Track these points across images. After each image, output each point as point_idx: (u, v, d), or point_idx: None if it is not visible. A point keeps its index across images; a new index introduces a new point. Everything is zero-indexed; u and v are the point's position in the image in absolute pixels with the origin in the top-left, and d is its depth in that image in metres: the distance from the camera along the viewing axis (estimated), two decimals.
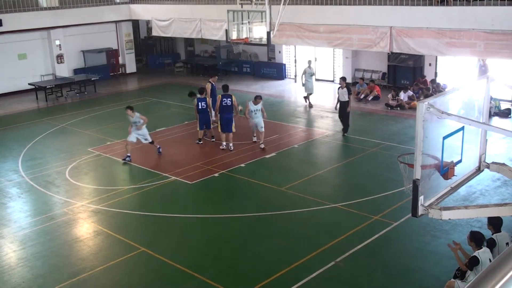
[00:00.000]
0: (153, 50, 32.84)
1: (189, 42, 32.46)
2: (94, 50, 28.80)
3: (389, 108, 20.09)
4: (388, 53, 19.31)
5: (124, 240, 10.69)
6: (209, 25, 23.38)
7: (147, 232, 11.13)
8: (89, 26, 27.72)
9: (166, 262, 9.76)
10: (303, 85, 21.26)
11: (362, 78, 22.78)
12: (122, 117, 20.92)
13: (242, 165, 14.49)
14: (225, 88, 15.99)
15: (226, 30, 18.63)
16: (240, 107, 16.19)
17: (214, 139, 16.87)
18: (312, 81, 21.19)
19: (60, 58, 27.28)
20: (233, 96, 15.74)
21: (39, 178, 14.33)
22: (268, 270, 9.33)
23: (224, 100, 15.63)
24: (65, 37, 27.34)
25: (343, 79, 17.05)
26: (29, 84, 25.11)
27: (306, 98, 21.23)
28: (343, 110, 16.66)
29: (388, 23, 17.55)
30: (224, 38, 20.53)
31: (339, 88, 16.88)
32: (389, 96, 20.51)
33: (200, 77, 28.36)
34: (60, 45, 27.27)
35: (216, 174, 13.93)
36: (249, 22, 17.80)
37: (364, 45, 18.75)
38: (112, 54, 29.74)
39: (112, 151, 16.34)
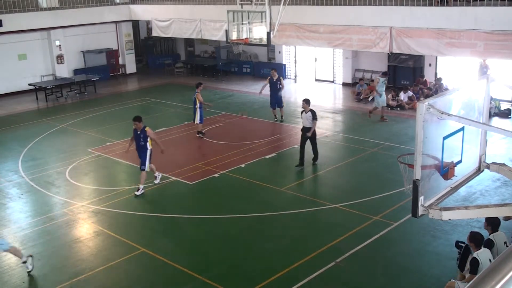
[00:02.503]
0: (153, 50, 32.86)
1: (189, 42, 32.48)
2: (94, 50, 28.81)
3: (389, 108, 20.08)
4: (388, 54, 19.33)
5: (124, 241, 10.68)
6: (209, 25, 23.40)
7: (147, 233, 11.12)
8: (89, 26, 27.75)
9: (167, 262, 9.76)
10: (372, 98, 19.73)
11: (362, 79, 22.79)
12: (122, 117, 21.02)
13: (242, 165, 14.48)
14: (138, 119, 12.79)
15: (226, 31, 18.66)
16: None
17: (202, 135, 17.19)
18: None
19: (60, 58, 27.28)
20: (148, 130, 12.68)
21: (39, 178, 14.33)
22: (268, 270, 9.33)
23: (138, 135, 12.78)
24: (65, 37, 27.35)
25: (306, 101, 14.24)
26: (29, 84, 25.13)
27: (372, 111, 18.79)
28: (305, 137, 14.16)
29: (388, 24, 17.57)
30: (224, 39, 20.53)
31: (302, 111, 14.30)
32: (389, 96, 20.51)
33: (200, 77, 28.36)
34: (60, 45, 27.27)
35: (216, 175, 13.93)
36: (249, 23, 17.82)
37: (364, 46, 18.78)
38: (112, 54, 29.75)
39: (112, 152, 16.34)
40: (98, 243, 10.84)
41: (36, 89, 24.75)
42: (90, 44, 28.85)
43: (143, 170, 12.78)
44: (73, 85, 25.64)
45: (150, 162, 12.87)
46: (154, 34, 27.00)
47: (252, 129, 18.36)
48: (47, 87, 24.52)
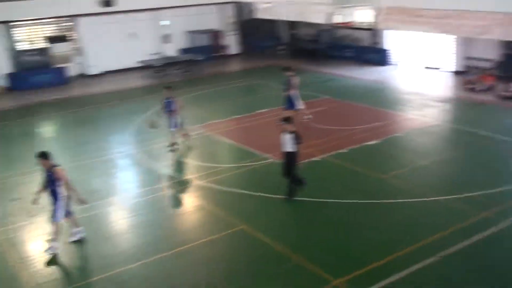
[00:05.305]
0: (256, 32, 33.13)
1: (291, 25, 32.39)
2: (199, 31, 29.59)
3: (502, 99, 18.90)
4: (504, 41, 18.11)
5: (225, 217, 10.95)
6: (313, 8, 23.14)
7: (247, 211, 11.29)
8: (194, 7, 28.54)
9: (265, 241, 9.88)
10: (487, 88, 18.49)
11: (473, 67, 21.58)
12: (224, 97, 21.51)
13: (344, 150, 14.28)
14: None
15: (330, 14, 18.37)
16: None
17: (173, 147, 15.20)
18: None
19: (167, 38, 28.32)
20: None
21: (147, 152, 15.00)
22: (365, 258, 9.15)
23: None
24: (173, 17, 28.34)
25: (286, 120, 11.29)
26: (138, 62, 26.32)
27: None
28: (289, 164, 11.38)
29: (503, 9, 16.38)
30: (328, 22, 20.30)
31: (282, 132, 11.32)
32: (503, 86, 19.28)
33: (302, 60, 28.27)
34: (167, 25, 28.31)
35: (317, 158, 13.85)
36: (354, 6, 17.47)
37: (476, 32, 17.72)
38: (215, 35, 30.42)
39: (215, 130, 16.77)
40: (200, 217, 11.19)
41: (144, 67, 25.90)
42: (196, 24, 29.68)
43: (55, 221, 9.80)
44: (179, 64, 26.53)
45: (69, 212, 10.09)
46: (257, 16, 27.19)
47: (354, 115, 18.05)
48: (155, 65, 25.57)
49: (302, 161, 12.90)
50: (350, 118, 17.51)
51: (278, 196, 11.58)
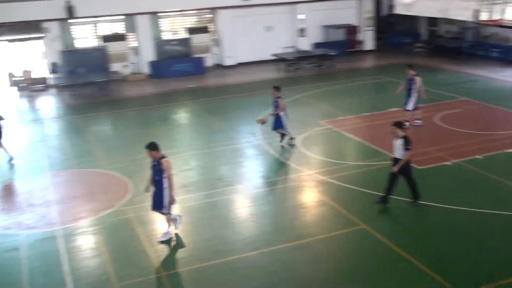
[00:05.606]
0: (394, 28, 32.11)
1: (432, 21, 30.93)
2: (334, 25, 29.37)
3: None
4: None
5: (346, 214, 10.77)
6: (456, 4, 21.88)
7: (369, 210, 10.98)
8: (333, 1, 28.39)
9: (386, 243, 9.55)
10: None
11: None
12: (354, 93, 21.16)
13: (479, 156, 13.33)
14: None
15: (477, 10, 17.23)
16: None
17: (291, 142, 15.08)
18: None
19: (302, 31, 28.48)
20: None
21: (273, 143, 15.22)
22: (493, 272, 8.48)
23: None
24: (309, 11, 28.42)
25: (397, 124, 10.69)
26: (271, 55, 26.78)
27: None
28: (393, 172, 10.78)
29: None
30: (474, 19, 19.07)
31: (394, 137, 10.73)
32: None
33: (442, 58, 26.88)
34: (303, 19, 28.45)
35: (449, 163, 13.09)
36: (504, 2, 16.21)
37: None
38: (351, 30, 29.98)
39: (343, 126, 16.55)
40: (321, 212, 11.13)
41: (278, 60, 26.29)
42: (331, 19, 29.49)
43: (166, 214, 10.07)
44: (312, 58, 26.57)
45: (171, 204, 10.02)
46: (396, 11, 26.34)
47: (495, 119, 16.80)
48: (288, 59, 25.85)
49: (435, 164, 12.32)
50: (489, 123, 16.32)
51: (402, 199, 11.14)
